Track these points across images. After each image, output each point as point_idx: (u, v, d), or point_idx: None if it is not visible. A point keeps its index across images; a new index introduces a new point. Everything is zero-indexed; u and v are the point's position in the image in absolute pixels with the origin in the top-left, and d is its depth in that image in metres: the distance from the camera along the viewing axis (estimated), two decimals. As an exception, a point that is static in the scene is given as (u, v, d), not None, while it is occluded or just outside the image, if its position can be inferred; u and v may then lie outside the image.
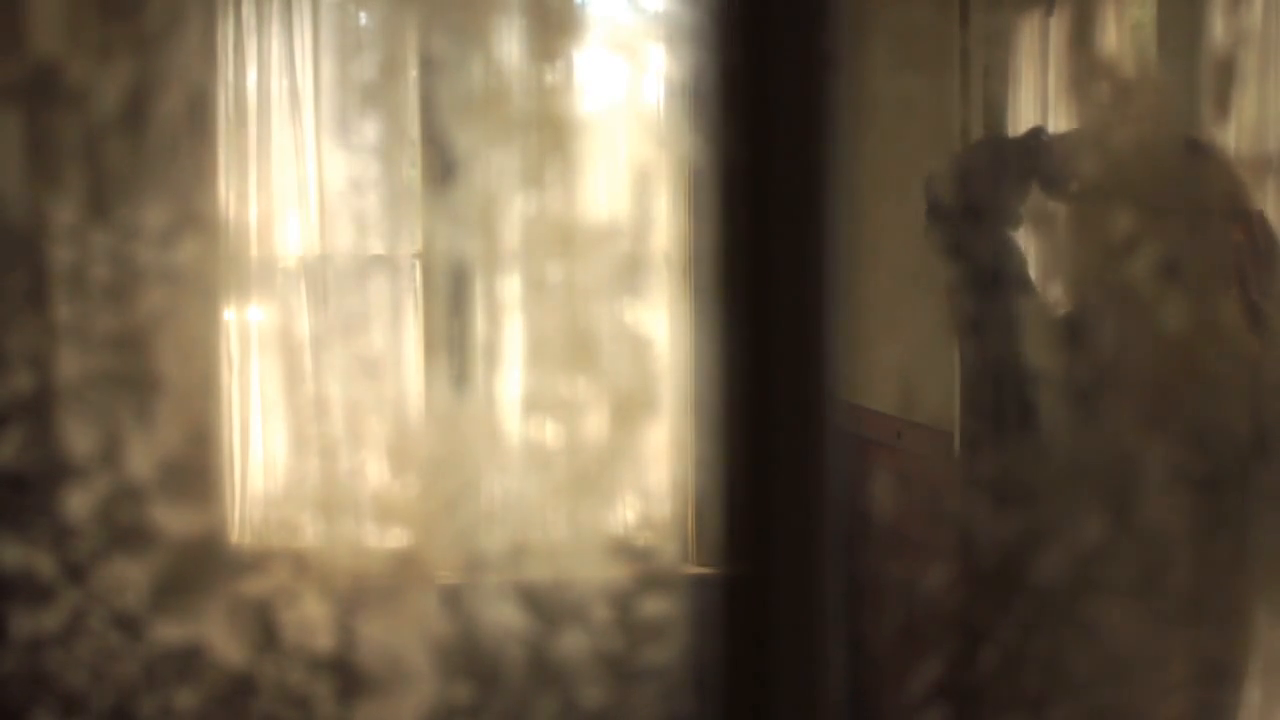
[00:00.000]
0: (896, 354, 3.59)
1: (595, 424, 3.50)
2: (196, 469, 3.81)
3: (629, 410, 3.45)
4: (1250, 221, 2.46)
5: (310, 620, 3.63)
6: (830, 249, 0.79)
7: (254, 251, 3.99)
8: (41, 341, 3.65)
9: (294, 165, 4.02)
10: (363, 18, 4.08)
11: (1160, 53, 2.78)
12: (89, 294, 3.62)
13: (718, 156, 0.77)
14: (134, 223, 3.70)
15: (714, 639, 0.77)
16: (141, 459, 3.56)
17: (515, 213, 3.58)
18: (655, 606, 3.70)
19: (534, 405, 3.83)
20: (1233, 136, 2.62)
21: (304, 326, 3.98)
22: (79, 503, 3.55)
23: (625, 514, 4.08)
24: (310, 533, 3.91)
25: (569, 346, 3.46)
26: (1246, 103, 2.62)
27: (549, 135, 3.45)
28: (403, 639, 3.52)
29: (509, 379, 3.95)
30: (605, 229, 3.46)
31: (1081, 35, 2.94)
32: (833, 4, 0.77)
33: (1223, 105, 2.64)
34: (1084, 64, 2.90)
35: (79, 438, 3.54)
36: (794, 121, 0.78)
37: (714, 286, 0.77)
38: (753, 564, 0.79)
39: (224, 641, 3.59)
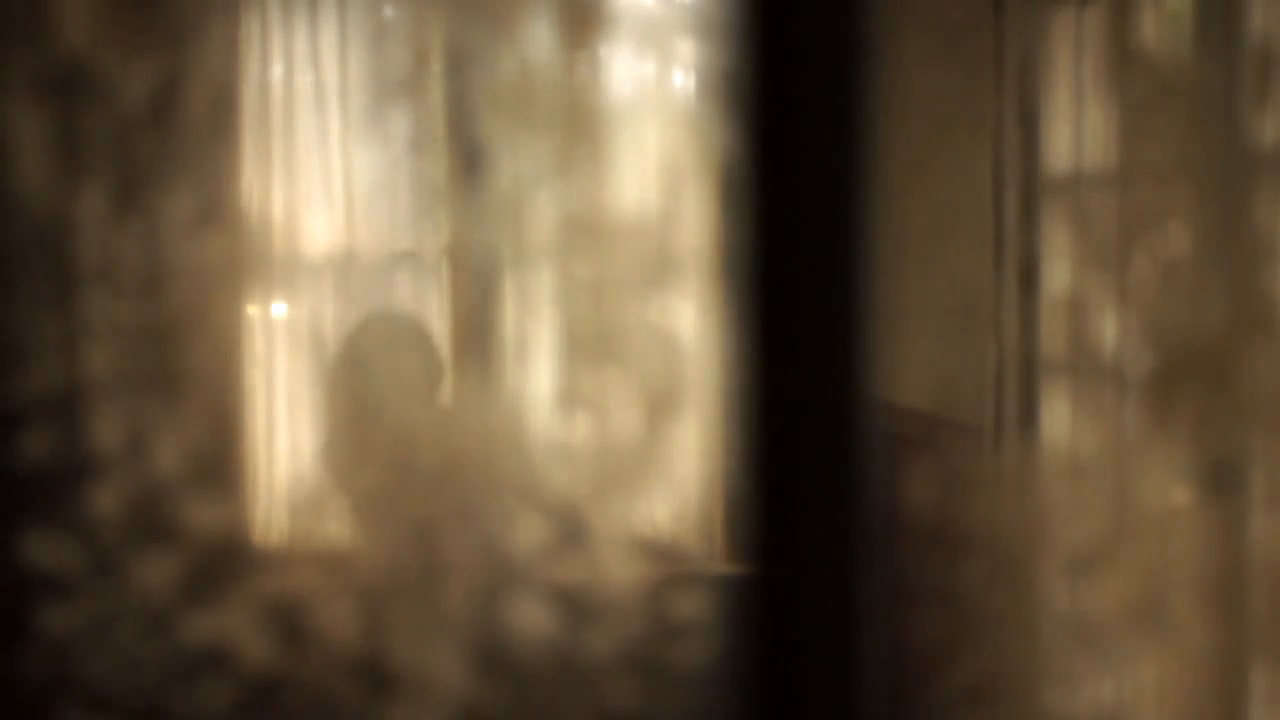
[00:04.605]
0: (929, 350, 3.56)
1: (624, 421, 3.48)
2: (222, 465, 3.80)
3: (659, 407, 3.43)
4: None
5: (336, 619, 3.61)
6: (862, 244, 0.77)
7: (280, 247, 3.97)
8: (66, 336, 3.64)
9: (320, 160, 4.00)
10: (389, 11, 4.07)
11: (1198, 43, 2.74)
12: (114, 289, 3.61)
13: (748, 150, 0.75)
14: (160, 218, 3.69)
15: (744, 638, 0.74)
16: (166, 455, 3.55)
17: (544, 207, 3.56)
18: (684, 605, 3.67)
19: (563, 402, 3.80)
20: (1272, 128, 2.58)
21: (330, 322, 3.97)
22: (103, 498, 3.54)
23: (655, 512, 4.06)
24: (335, 531, 3.90)
25: (598, 342, 3.44)
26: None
27: (577, 129, 3.43)
28: (430, 638, 3.51)
29: (538, 375, 3.93)
30: (635, 223, 3.44)
31: (1119, 25, 2.91)
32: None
33: (1262, 97, 2.60)
34: (1121, 55, 2.87)
35: (103, 433, 3.53)
36: (825, 114, 0.76)
37: (744, 282, 0.74)
38: (783, 563, 0.77)
39: (249, 639, 3.58)
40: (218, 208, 3.79)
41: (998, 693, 3.04)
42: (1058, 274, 3.20)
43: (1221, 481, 2.53)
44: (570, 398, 3.68)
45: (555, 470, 3.72)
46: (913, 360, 3.57)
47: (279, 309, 3.99)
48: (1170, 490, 2.67)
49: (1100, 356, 2.92)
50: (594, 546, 3.65)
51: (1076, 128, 3.14)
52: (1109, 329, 2.91)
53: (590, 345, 3.43)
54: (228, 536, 3.74)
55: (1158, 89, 2.78)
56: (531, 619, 3.58)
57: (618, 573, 3.70)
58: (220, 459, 3.78)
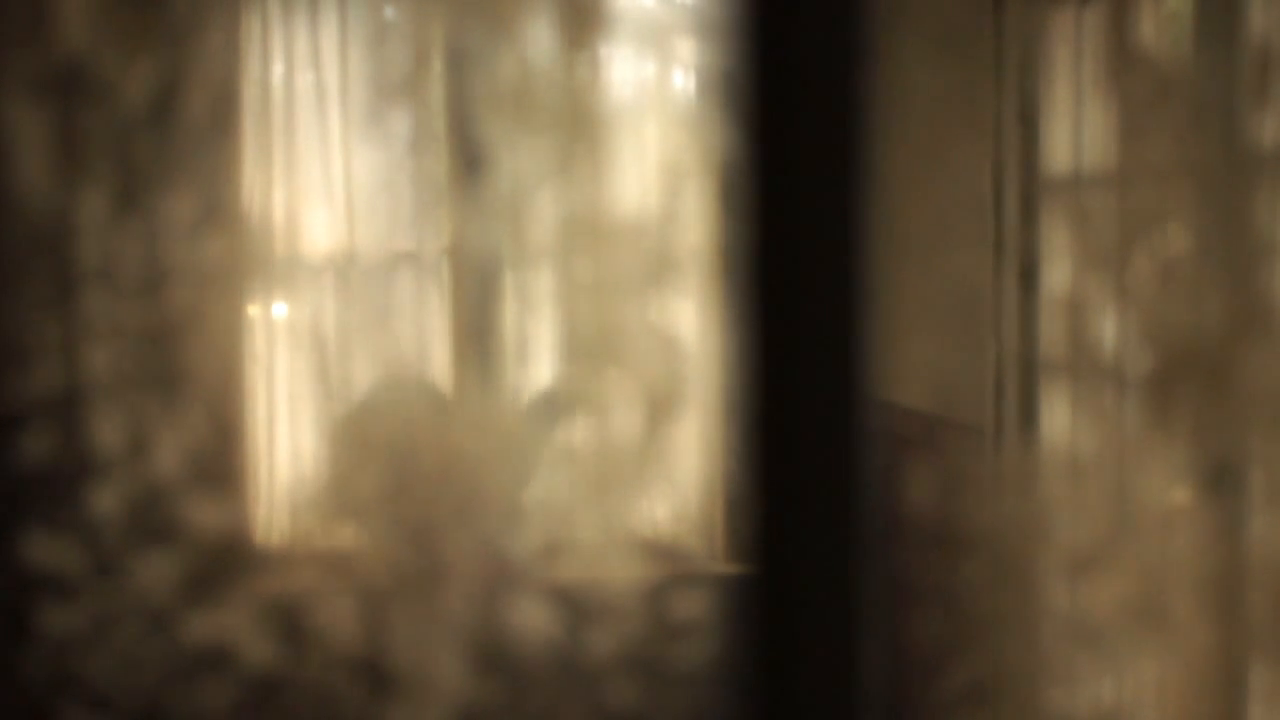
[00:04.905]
0: (929, 350, 3.56)
1: (624, 421, 3.48)
2: (222, 465, 3.80)
3: (659, 407, 3.43)
4: None
5: (336, 619, 3.61)
6: (862, 244, 0.77)
7: (280, 248, 3.97)
8: (67, 337, 3.64)
9: (320, 160, 4.00)
10: (389, 12, 4.07)
11: (1197, 43, 2.74)
12: (115, 290, 3.61)
13: (747, 151, 0.75)
14: (160, 218, 3.69)
15: (744, 638, 0.74)
16: (167, 455, 3.55)
17: (544, 207, 3.56)
18: (684, 605, 3.68)
19: (563, 402, 3.80)
20: (1271, 128, 2.58)
21: (330, 323, 3.96)
22: (104, 499, 3.54)
23: (655, 512, 4.06)
24: (335, 532, 3.89)
25: (598, 342, 3.44)
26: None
27: (577, 129, 3.43)
28: (430, 638, 3.51)
29: (537, 375, 3.93)
30: (635, 224, 3.44)
31: (1118, 25, 2.91)
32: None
33: (1262, 97, 2.60)
34: (1121, 55, 2.87)
35: (104, 433, 3.53)
36: (825, 114, 0.76)
37: (744, 282, 0.74)
38: (783, 563, 0.77)
39: (250, 639, 3.58)
40: (218, 208, 3.79)
41: (998, 693, 3.04)
42: (1058, 274, 3.20)
43: (1221, 481, 2.53)
44: (572, 404, 3.68)
45: (555, 470, 3.72)
46: (913, 360, 3.57)
47: (279, 309, 3.99)
48: (1170, 490, 2.67)
49: (1100, 356, 2.92)
50: (594, 546, 3.65)
51: (1076, 128, 3.14)
52: (1109, 329, 2.90)
53: (590, 345, 3.43)
54: (228, 537, 3.74)
55: (1158, 89, 2.78)
56: (531, 619, 3.58)
57: (618, 573, 3.70)
58: (221, 459, 3.78)
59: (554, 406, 3.63)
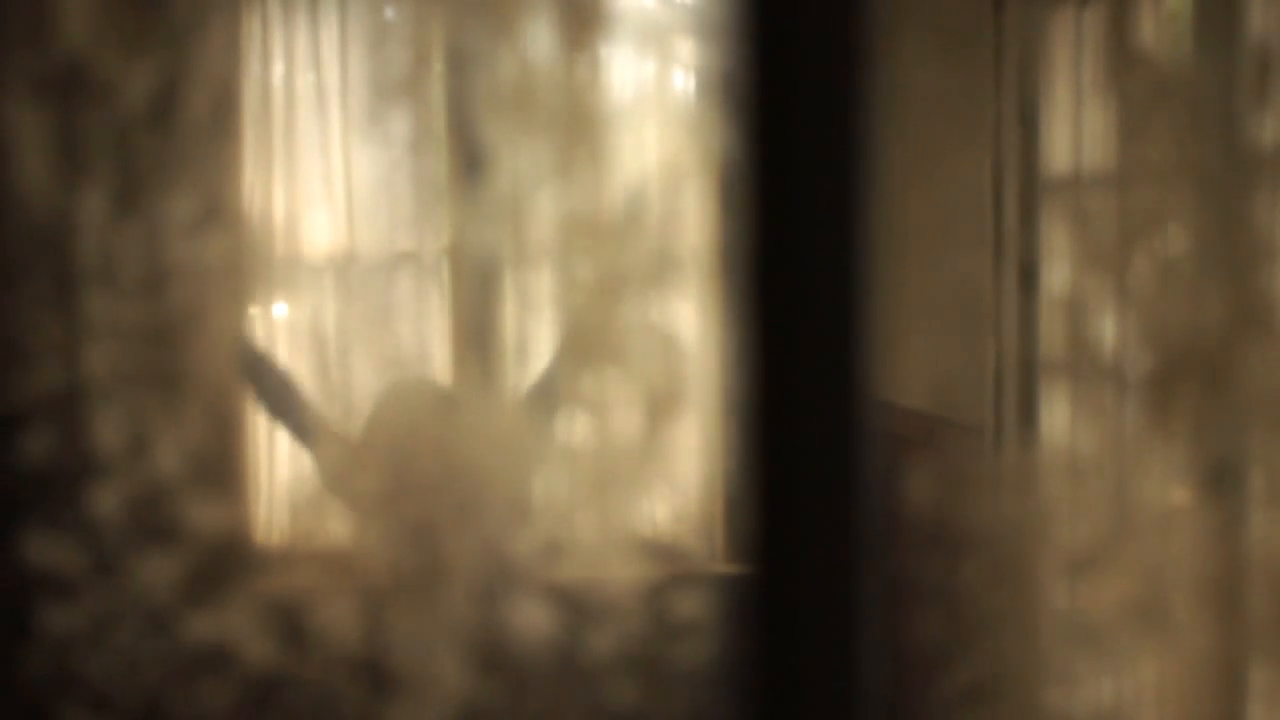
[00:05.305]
0: (929, 350, 3.56)
1: (624, 421, 3.48)
2: (222, 465, 3.80)
3: (659, 407, 3.43)
4: None
5: (336, 619, 3.61)
6: (861, 244, 0.77)
7: (280, 247, 3.97)
8: (67, 337, 3.64)
9: (320, 160, 4.00)
10: (389, 12, 4.07)
11: (1197, 43, 2.74)
12: (115, 289, 3.61)
13: (747, 151, 0.75)
14: (161, 218, 3.69)
15: (744, 638, 0.74)
16: (167, 455, 3.55)
17: (544, 207, 3.56)
18: (685, 605, 3.68)
19: (557, 390, 3.80)
20: (1271, 128, 2.58)
21: (330, 323, 3.96)
22: (104, 498, 3.54)
23: (655, 512, 4.06)
24: (335, 531, 3.89)
25: (598, 342, 3.44)
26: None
27: (577, 129, 3.43)
28: (431, 638, 3.51)
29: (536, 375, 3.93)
30: (635, 223, 3.44)
31: (1118, 26, 2.91)
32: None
33: (1261, 97, 2.60)
34: (1120, 55, 2.87)
35: (104, 433, 3.53)
36: (825, 114, 0.76)
37: (744, 282, 0.74)
38: (783, 563, 0.77)
39: (250, 639, 3.58)
40: (218, 208, 3.79)
41: (998, 693, 3.04)
42: (1058, 274, 3.20)
43: (1221, 481, 2.53)
44: (570, 398, 3.68)
45: (555, 470, 3.72)
46: (913, 360, 3.57)
47: (279, 309, 3.99)
48: (1170, 490, 2.67)
49: (1100, 356, 2.92)
50: (594, 546, 3.65)
51: (1076, 128, 3.14)
52: (1109, 329, 2.90)
53: (590, 345, 3.43)
54: (228, 537, 3.74)
55: (1158, 89, 2.78)
56: (531, 619, 3.58)
57: (618, 573, 3.70)
58: (221, 459, 3.78)
59: (549, 396, 3.62)
